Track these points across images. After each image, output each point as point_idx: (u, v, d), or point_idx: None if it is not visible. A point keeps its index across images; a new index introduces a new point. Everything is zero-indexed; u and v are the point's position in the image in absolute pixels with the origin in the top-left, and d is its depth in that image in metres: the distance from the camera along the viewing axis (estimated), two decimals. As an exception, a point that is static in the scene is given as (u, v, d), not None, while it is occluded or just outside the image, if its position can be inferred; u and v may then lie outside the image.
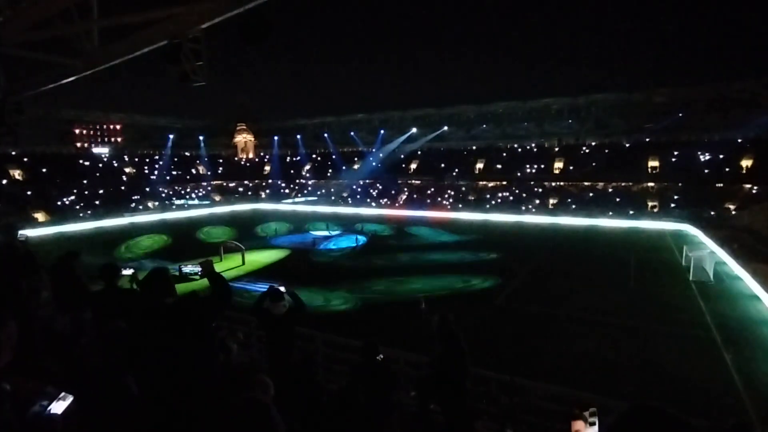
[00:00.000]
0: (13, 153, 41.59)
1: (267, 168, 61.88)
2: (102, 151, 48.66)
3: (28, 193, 38.47)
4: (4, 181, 38.67)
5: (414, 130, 54.30)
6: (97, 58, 6.54)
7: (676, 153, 40.08)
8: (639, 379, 9.91)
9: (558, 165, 45.45)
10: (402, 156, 54.34)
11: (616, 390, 8.70)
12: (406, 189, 50.10)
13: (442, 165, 50.73)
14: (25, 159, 42.13)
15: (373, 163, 53.98)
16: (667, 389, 9.40)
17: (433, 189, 48.18)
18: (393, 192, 49.58)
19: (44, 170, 41.96)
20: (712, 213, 32.40)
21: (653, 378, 9.98)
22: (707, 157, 38.48)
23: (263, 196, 55.54)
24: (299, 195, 54.83)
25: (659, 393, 9.17)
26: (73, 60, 6.79)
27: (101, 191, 43.02)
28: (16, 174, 40.51)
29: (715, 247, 23.46)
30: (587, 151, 45.70)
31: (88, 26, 6.19)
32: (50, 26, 6.17)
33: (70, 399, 2.11)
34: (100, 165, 47.60)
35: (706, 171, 37.35)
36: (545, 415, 5.60)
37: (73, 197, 40.42)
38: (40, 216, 36.21)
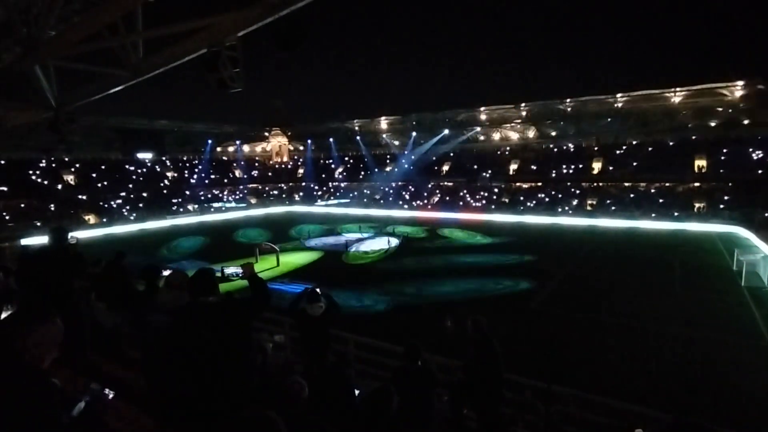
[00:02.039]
0: (67, 159, 44.24)
1: (300, 171, 63.08)
2: (146, 156, 50.90)
3: (80, 197, 40.84)
4: (59, 186, 41.19)
5: (446, 131, 53.91)
6: (142, 67, 6.87)
7: (725, 151, 37.91)
8: (685, 389, 9.40)
9: (596, 165, 43.94)
10: (434, 158, 54.06)
11: (659, 401, 8.29)
12: (438, 191, 49.77)
13: (475, 166, 50.10)
14: (77, 165, 44.73)
15: (405, 165, 53.97)
16: (715, 401, 8.87)
17: (465, 190, 47.64)
18: (425, 194, 49.36)
19: (94, 175, 44.46)
20: (766, 215, 30.37)
21: (700, 389, 9.43)
22: (759, 155, 36.19)
23: (297, 198, 56.61)
24: (332, 197, 55.52)
25: (706, 405, 8.67)
26: (120, 70, 7.14)
27: (145, 194, 45.17)
28: (70, 179, 43.07)
29: (770, 250, 22.02)
30: (628, 150, 43.97)
31: (133, 38, 6.51)
32: (99, 39, 6.52)
33: (112, 395, 2.23)
34: (144, 170, 49.92)
35: (758, 170, 35.12)
36: (584, 425, 5.39)
37: (119, 200, 42.62)
38: (90, 218, 38.35)
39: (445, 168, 53.06)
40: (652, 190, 39.21)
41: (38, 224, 32.07)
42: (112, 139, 49.23)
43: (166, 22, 5.98)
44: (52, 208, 37.44)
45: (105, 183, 44.12)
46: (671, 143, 42.30)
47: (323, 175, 60.31)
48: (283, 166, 64.90)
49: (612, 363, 10.82)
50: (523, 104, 48.94)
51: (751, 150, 36.78)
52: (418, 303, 16.09)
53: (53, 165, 42.85)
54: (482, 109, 50.98)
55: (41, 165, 41.89)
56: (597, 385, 7.86)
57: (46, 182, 40.54)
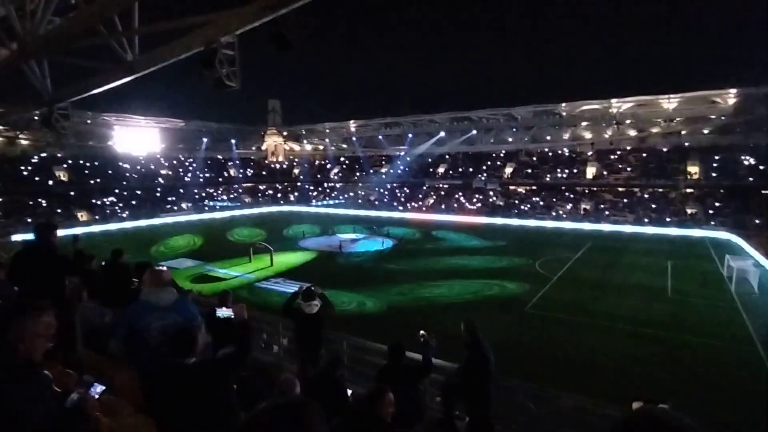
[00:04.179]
0: (59, 155, 43.82)
1: (296, 171, 62.95)
2: (140, 154, 50.52)
3: (71, 193, 40.47)
4: (51, 182, 40.77)
5: (442, 133, 54.00)
6: (137, 64, 6.82)
7: (717, 158, 38.33)
8: (675, 392, 9.47)
9: (591, 170, 44.25)
10: (430, 160, 54.13)
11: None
12: (433, 193, 49.87)
13: (471, 169, 50.25)
14: (70, 161, 44.30)
15: (401, 167, 54.02)
16: (704, 404, 8.94)
17: (461, 193, 47.78)
18: (420, 196, 49.44)
19: (86, 172, 44.06)
20: (757, 221, 30.70)
21: (690, 392, 9.52)
22: (751, 162, 36.61)
23: (292, 198, 56.48)
24: (327, 198, 55.46)
25: (696, 407, 8.74)
26: (116, 66, 7.09)
27: (138, 192, 44.85)
28: (62, 175, 42.65)
29: (760, 257, 22.26)
30: (622, 155, 44.32)
31: (129, 34, 6.47)
32: (94, 35, 6.48)
33: (102, 388, 2.22)
34: (138, 167, 49.54)
35: (750, 177, 35.51)
36: (575, 426, 5.42)
37: (113, 198, 42.29)
38: (82, 215, 38.02)
39: (441, 170, 53.16)
40: (646, 196, 39.54)
41: (29, 220, 31.73)
42: (106, 136, 48.87)
43: (163, 18, 5.95)
44: (44, 204, 37.10)
45: (98, 180, 43.75)
46: (665, 149, 42.69)
47: (319, 175, 60.22)
48: (278, 165, 64.75)
49: (604, 366, 10.88)
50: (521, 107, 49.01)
51: (743, 157, 37.20)
52: (411, 304, 16.11)
53: (45, 161, 42.41)
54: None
55: (33, 161, 41.46)
56: (589, 388, 7.91)
57: (37, 178, 40.12)
